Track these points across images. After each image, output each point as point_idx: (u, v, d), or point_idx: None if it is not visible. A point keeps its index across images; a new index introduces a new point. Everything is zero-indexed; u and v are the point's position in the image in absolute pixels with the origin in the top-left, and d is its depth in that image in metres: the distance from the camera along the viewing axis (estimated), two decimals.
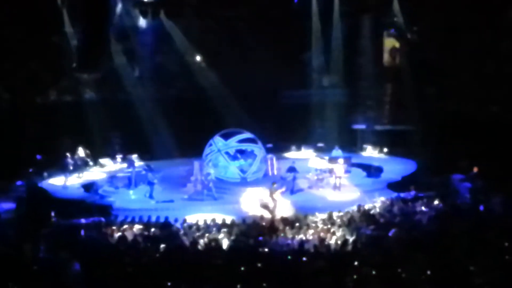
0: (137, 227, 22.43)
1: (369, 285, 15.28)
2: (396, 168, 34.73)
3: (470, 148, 31.79)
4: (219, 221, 23.32)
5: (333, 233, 21.07)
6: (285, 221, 23.61)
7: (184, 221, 23.47)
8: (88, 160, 35.22)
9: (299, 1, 40.52)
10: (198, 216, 24.78)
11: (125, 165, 34.67)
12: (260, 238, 20.68)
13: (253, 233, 21.42)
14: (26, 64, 35.02)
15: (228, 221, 23.58)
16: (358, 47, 40.72)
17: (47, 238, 20.74)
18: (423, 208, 24.53)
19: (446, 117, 35.51)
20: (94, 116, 37.40)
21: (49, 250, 18.85)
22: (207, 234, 21.51)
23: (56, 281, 15.93)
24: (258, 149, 33.54)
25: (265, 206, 26.01)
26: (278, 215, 24.80)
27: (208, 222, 23.12)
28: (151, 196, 29.90)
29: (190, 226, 22.69)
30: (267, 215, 25.11)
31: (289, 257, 17.87)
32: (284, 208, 26.34)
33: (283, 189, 27.73)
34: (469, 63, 35.35)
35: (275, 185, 26.67)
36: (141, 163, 34.63)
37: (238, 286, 15.23)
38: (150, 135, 38.79)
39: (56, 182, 32.71)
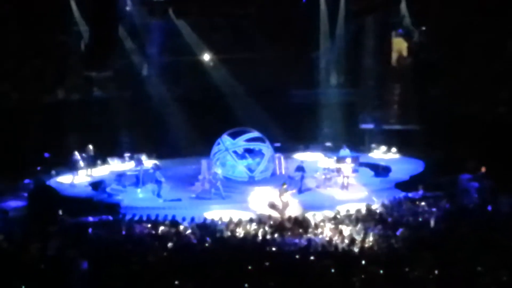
0: (144, 226, 22.49)
1: (376, 284, 15.29)
2: (404, 167, 34.61)
3: (477, 148, 31.73)
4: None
5: (341, 233, 21.08)
6: (293, 220, 23.63)
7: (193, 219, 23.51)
8: (96, 158, 35.19)
9: (308, 1, 40.49)
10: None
11: (133, 163, 34.65)
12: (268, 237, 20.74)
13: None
14: (34, 62, 35.03)
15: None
16: (366, 47, 40.71)
17: (54, 236, 20.82)
18: (431, 207, 24.47)
19: (453, 117, 35.42)
20: (102, 115, 37.49)
21: (57, 248, 18.91)
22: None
23: (63, 280, 15.97)
24: (266, 148, 33.53)
25: (273, 206, 26.06)
26: (287, 215, 24.79)
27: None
28: (158, 195, 29.96)
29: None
30: (275, 214, 25.12)
31: (297, 256, 17.90)
32: (292, 207, 26.35)
33: (294, 190, 27.86)
34: (476, 63, 35.23)
35: (285, 186, 26.75)
36: (151, 162, 34.42)
37: (246, 285, 15.24)
38: (158, 134, 38.86)
39: (64, 180, 32.76)
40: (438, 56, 37.34)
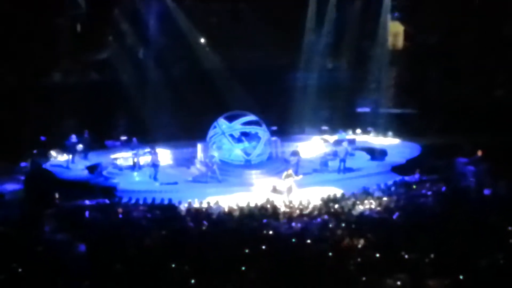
0: (141, 209, 22.51)
1: (373, 268, 15.30)
2: (400, 151, 34.66)
3: (474, 131, 31.75)
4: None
5: (337, 216, 21.09)
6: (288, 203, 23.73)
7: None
8: (92, 142, 35.13)
9: None
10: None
11: (129, 147, 34.55)
12: (265, 220, 20.74)
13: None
14: (30, 46, 34.90)
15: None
16: (363, 30, 40.62)
17: (51, 219, 20.82)
18: (427, 191, 24.51)
19: (450, 100, 35.43)
20: (98, 98, 37.39)
21: (54, 231, 18.92)
22: None
23: (60, 263, 15.97)
24: (262, 131, 33.38)
25: (276, 190, 26.24)
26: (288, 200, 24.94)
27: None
28: (155, 178, 29.99)
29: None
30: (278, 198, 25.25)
31: (293, 239, 17.92)
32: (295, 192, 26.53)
33: (300, 176, 27.99)
34: (473, 47, 35.22)
35: (290, 171, 26.89)
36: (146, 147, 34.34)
37: (242, 268, 15.24)
38: (155, 117, 38.71)
39: (60, 163, 32.73)
40: (435, 39, 37.30)
